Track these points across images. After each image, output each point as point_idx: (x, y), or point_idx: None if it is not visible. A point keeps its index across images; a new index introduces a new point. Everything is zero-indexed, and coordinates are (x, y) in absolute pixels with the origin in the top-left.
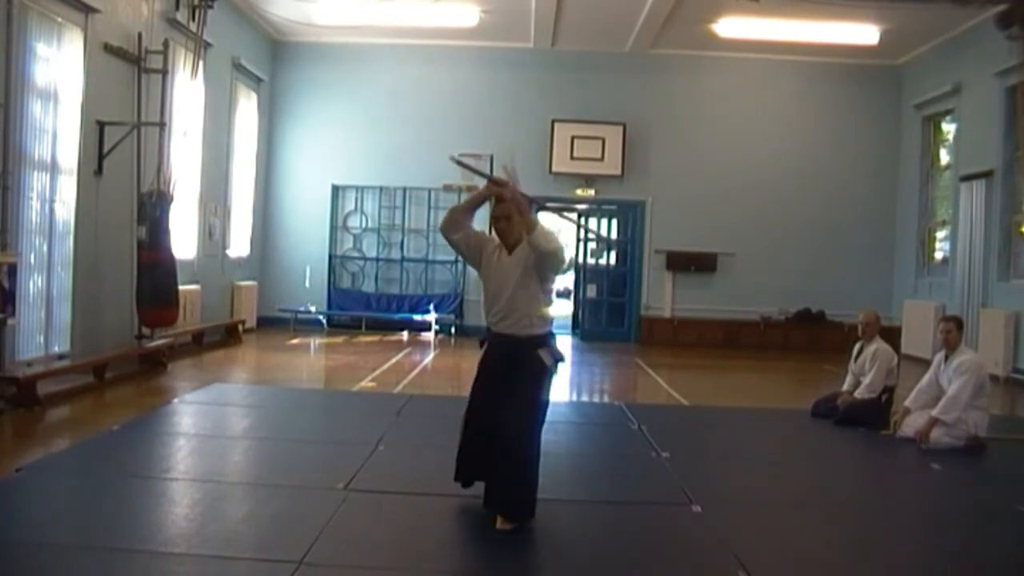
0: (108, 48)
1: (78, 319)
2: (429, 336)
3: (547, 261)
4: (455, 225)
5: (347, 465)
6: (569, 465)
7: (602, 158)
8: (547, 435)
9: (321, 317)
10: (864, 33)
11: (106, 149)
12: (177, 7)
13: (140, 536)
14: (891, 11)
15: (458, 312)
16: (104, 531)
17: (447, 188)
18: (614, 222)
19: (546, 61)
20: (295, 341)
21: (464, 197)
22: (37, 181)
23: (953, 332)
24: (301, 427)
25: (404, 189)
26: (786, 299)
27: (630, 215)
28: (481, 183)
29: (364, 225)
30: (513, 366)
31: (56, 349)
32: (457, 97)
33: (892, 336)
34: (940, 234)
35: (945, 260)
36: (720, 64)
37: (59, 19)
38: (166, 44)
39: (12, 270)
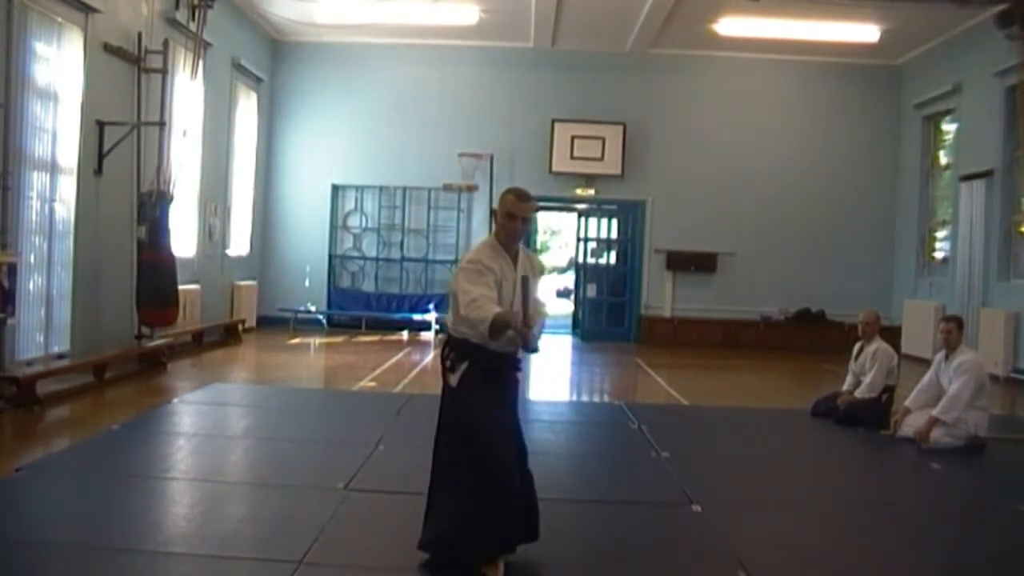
0: (108, 48)
1: (78, 319)
2: (429, 335)
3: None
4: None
5: (347, 465)
6: (569, 465)
7: (602, 158)
8: (547, 435)
9: (321, 317)
10: (864, 33)
11: (106, 149)
12: (177, 7)
13: (140, 536)
14: (891, 11)
15: None
16: (104, 531)
17: (447, 188)
18: (614, 222)
19: (546, 61)
20: (295, 341)
21: (463, 197)
22: (37, 181)
23: (953, 332)
24: (301, 427)
25: (404, 189)
26: (786, 299)
27: (630, 215)
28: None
29: (364, 225)
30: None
31: (56, 349)
32: (457, 97)
33: (892, 336)
34: (940, 234)
35: (945, 260)
36: (720, 64)
37: (59, 19)
38: (166, 44)
39: (12, 270)
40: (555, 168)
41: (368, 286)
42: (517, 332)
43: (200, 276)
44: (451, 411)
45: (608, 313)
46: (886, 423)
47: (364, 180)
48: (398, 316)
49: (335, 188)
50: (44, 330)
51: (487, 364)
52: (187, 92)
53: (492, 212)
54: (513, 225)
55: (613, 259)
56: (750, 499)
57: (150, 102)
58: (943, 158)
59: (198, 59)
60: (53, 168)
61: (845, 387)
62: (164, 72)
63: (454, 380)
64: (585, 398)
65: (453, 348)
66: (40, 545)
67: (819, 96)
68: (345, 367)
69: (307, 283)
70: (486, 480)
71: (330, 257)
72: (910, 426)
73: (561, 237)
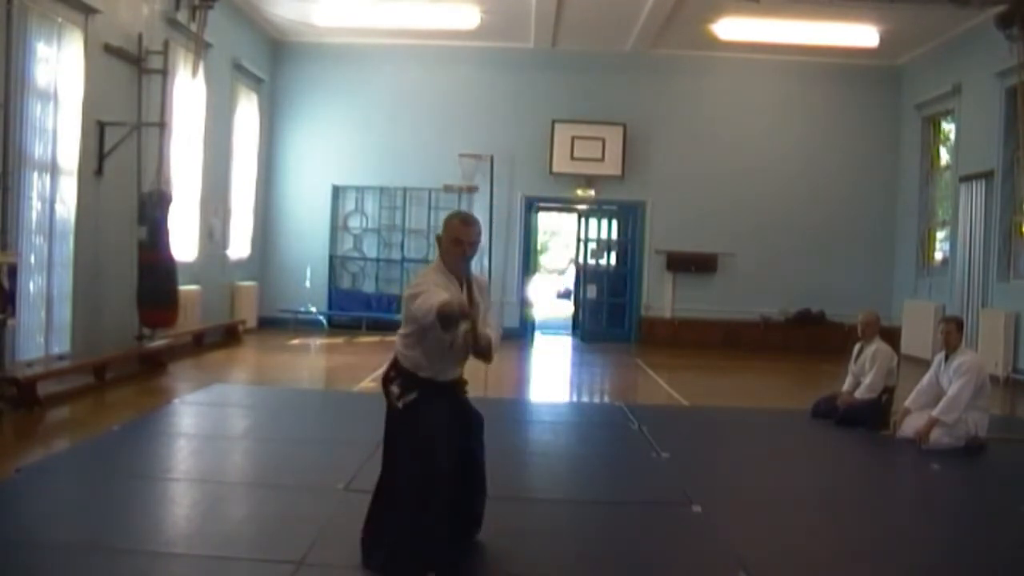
0: (108, 48)
1: (78, 320)
2: None
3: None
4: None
5: (347, 465)
6: (569, 465)
7: (602, 158)
8: (547, 435)
9: (321, 317)
10: (864, 33)
11: (106, 149)
12: (177, 7)
13: (140, 536)
14: (891, 11)
15: None
16: (104, 531)
17: (447, 188)
18: (614, 222)
19: (546, 61)
20: (295, 341)
21: (464, 198)
22: (37, 181)
23: (953, 333)
24: (301, 428)
25: (404, 189)
26: (786, 299)
27: (630, 215)
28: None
29: (364, 225)
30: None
31: (56, 350)
32: (458, 97)
33: (892, 336)
34: (940, 234)
35: (945, 260)
36: (720, 64)
37: (59, 19)
38: (166, 44)
39: (12, 270)
40: (555, 169)
41: (368, 287)
42: (466, 317)
43: (200, 277)
44: (395, 428)
45: (608, 314)
46: (886, 424)
47: (364, 181)
48: (398, 317)
49: (335, 189)
50: (44, 331)
51: (437, 394)
52: (187, 93)
53: (437, 239)
54: (460, 250)
55: (613, 260)
56: (750, 499)
57: (150, 103)
58: (943, 159)
59: (198, 60)
60: (53, 169)
61: (845, 388)
62: (164, 73)
63: (400, 403)
64: (585, 399)
65: (400, 374)
66: (40, 546)
67: (819, 97)
68: (345, 368)
69: (308, 284)
70: (419, 495)
71: (330, 258)
72: (910, 427)
73: (561, 238)
